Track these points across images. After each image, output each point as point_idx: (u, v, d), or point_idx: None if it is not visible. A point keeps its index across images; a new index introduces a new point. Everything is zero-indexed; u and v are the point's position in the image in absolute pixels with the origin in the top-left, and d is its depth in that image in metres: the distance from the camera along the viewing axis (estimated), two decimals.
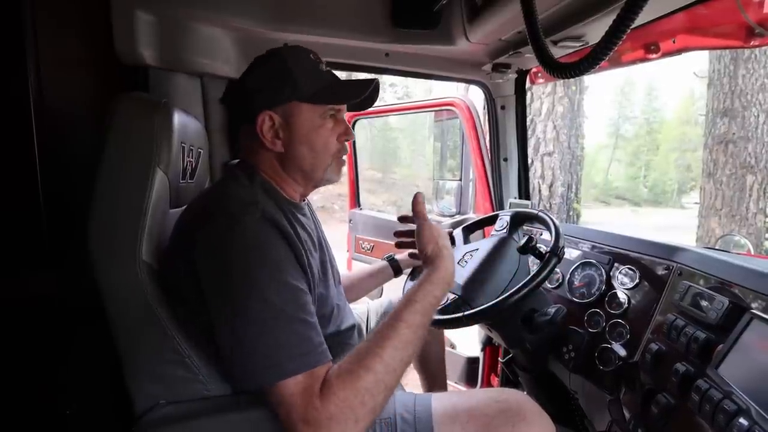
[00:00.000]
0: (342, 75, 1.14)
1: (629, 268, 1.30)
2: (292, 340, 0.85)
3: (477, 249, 1.49)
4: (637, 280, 1.27)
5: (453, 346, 2.40)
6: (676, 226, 12.41)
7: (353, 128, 2.86)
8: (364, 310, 1.56)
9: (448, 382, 1.90)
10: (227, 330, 0.86)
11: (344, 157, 1.12)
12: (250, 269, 0.86)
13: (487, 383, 2.20)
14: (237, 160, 1.11)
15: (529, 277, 1.23)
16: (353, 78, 1.14)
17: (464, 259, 1.48)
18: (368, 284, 1.60)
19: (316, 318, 0.92)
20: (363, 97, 1.06)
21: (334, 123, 1.06)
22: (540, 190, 4.75)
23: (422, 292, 0.96)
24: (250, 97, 1.04)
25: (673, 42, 1.36)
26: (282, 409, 0.83)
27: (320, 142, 1.04)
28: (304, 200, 1.17)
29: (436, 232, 1.06)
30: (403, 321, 0.91)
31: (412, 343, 0.91)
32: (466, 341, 2.36)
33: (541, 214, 1.44)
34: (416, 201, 1.09)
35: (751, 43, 1.22)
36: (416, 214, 1.09)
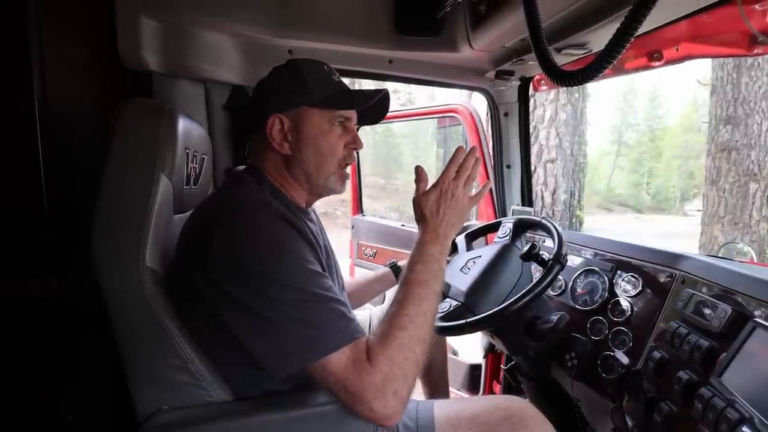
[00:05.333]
0: (347, 82, 1.15)
1: (632, 276, 1.30)
2: (331, 316, 0.89)
3: (480, 256, 1.49)
4: (640, 288, 1.26)
5: (455, 353, 2.40)
6: (678, 234, 12.37)
7: None
8: (366, 316, 1.56)
9: (451, 389, 1.90)
10: (261, 323, 0.86)
11: (348, 170, 1.14)
12: (273, 262, 0.88)
13: (490, 390, 2.19)
14: (243, 166, 1.12)
15: (532, 284, 1.24)
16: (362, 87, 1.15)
17: (467, 266, 1.47)
18: (371, 290, 1.61)
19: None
20: (370, 104, 1.07)
21: (342, 130, 1.09)
22: (543, 197, 4.74)
23: (420, 253, 1.01)
24: (263, 101, 1.07)
25: (677, 50, 1.37)
26: (336, 384, 0.86)
27: (326, 147, 1.07)
28: (309, 207, 1.18)
29: (433, 199, 1.04)
30: (413, 282, 0.96)
31: (429, 297, 0.96)
32: (469, 348, 2.35)
33: (543, 221, 1.44)
34: (418, 178, 1.07)
35: (754, 52, 1.23)
36: (418, 189, 1.07)
